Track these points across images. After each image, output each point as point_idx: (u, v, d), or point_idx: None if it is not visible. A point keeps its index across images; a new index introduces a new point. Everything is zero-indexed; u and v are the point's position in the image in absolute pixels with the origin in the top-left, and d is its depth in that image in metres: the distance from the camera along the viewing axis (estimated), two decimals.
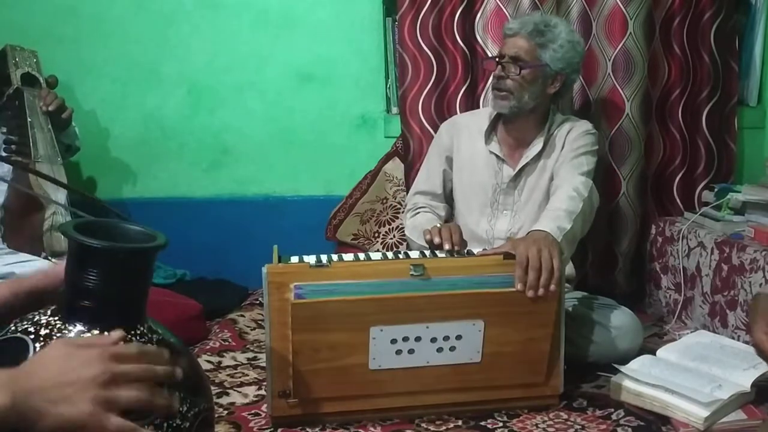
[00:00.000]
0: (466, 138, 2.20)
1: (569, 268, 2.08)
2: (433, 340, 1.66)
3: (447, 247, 1.81)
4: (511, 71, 2.06)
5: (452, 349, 1.67)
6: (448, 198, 2.25)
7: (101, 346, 0.90)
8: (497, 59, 2.11)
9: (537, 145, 2.11)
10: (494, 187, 2.15)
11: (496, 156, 2.15)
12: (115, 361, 0.88)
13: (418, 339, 1.66)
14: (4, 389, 0.82)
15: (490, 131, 2.16)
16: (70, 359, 0.87)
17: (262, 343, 2.14)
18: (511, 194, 2.14)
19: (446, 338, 1.66)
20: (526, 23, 2.08)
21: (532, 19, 2.10)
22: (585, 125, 2.16)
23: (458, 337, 1.67)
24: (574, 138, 2.10)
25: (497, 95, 2.09)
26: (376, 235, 2.65)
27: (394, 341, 1.65)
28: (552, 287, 1.65)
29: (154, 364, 0.92)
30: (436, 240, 1.83)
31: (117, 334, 0.95)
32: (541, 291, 1.64)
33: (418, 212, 2.19)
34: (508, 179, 2.13)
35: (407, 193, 2.42)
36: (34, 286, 1.13)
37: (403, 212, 2.46)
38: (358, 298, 1.62)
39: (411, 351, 1.66)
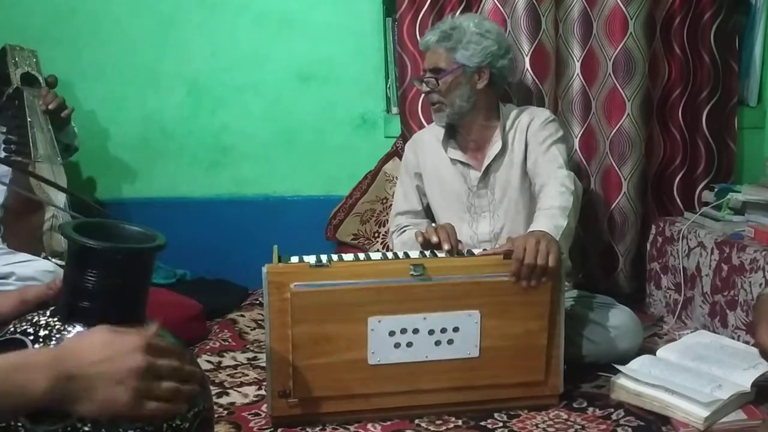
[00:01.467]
0: (429, 151, 2.22)
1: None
2: (431, 332, 1.67)
3: (446, 247, 1.81)
4: (431, 84, 2.11)
5: (450, 342, 1.68)
6: (428, 213, 2.27)
7: (142, 336, 0.92)
8: (421, 77, 2.16)
9: (497, 143, 2.12)
10: (466, 192, 2.16)
11: (460, 162, 2.16)
12: (152, 353, 0.91)
13: (416, 331, 1.66)
14: (47, 370, 0.85)
15: (447, 139, 2.18)
16: (112, 346, 0.90)
17: (262, 343, 2.14)
18: (485, 195, 2.15)
19: (444, 330, 1.67)
20: (434, 33, 2.12)
21: (440, 27, 2.13)
22: (543, 113, 2.17)
23: (455, 329, 1.68)
24: (536, 129, 2.11)
25: (433, 110, 2.15)
26: (376, 235, 2.65)
27: (392, 333, 1.66)
28: (544, 278, 1.66)
29: (181, 362, 0.96)
30: (434, 239, 1.83)
31: (154, 327, 0.97)
32: (533, 282, 1.66)
33: (404, 230, 2.22)
34: (477, 181, 2.14)
35: None
36: (41, 295, 1.14)
37: (387, 234, 2.45)
38: (356, 287, 1.64)
39: (409, 344, 1.67)
